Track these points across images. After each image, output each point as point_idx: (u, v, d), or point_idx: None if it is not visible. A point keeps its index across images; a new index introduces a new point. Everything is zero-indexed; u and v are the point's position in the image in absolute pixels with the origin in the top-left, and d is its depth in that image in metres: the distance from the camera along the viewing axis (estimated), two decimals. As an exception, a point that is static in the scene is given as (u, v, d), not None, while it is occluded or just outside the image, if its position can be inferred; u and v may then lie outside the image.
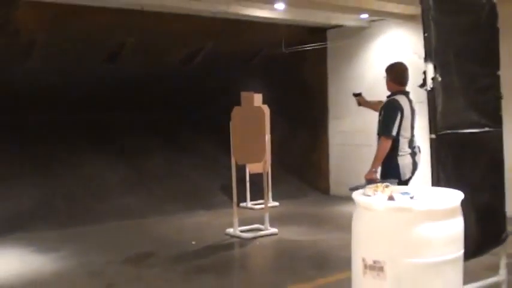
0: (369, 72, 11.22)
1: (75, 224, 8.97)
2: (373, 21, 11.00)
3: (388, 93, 6.15)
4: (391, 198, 3.76)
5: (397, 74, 6.02)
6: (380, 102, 6.35)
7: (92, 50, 10.83)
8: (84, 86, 12.00)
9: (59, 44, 10.22)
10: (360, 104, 6.97)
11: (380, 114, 6.07)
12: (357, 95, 6.91)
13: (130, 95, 12.65)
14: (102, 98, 12.35)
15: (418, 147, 5.95)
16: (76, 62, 11.02)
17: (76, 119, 12.51)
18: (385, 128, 5.86)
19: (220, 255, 7.62)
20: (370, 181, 4.90)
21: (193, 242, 7.99)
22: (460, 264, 3.78)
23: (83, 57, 10.90)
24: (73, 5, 8.53)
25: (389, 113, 5.83)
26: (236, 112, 8.49)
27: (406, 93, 5.94)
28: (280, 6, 9.33)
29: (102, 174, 11.06)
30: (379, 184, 3.98)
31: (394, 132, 5.74)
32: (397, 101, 5.83)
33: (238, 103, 8.70)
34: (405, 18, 9.96)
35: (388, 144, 5.79)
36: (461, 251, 3.76)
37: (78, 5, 8.54)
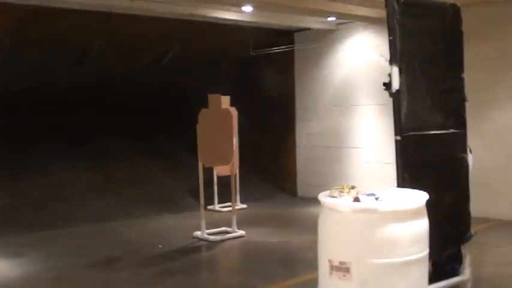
0: (336, 74, 11.30)
1: (41, 229, 8.83)
2: (340, 24, 11.06)
3: None
4: (356, 199, 3.79)
5: None
6: None
7: (59, 52, 10.71)
8: (52, 88, 11.85)
9: (24, 46, 10.09)
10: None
11: None
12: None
13: (98, 97, 12.53)
14: (69, 100, 12.22)
15: None
16: (43, 65, 10.88)
17: (43, 121, 12.34)
18: None
19: (188, 258, 7.59)
20: None
21: (160, 246, 7.94)
22: (425, 263, 3.84)
23: (50, 60, 10.78)
24: (38, 6, 8.42)
25: None
26: (203, 114, 8.47)
27: None
28: (247, 8, 9.33)
29: (69, 177, 10.92)
30: (344, 185, 4.02)
31: None
32: None
33: (206, 105, 8.69)
34: (372, 21, 10.05)
35: None
36: (427, 251, 3.82)
37: (43, 6, 8.43)
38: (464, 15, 5.19)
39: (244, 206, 10.73)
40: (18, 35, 9.58)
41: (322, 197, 3.92)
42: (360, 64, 10.78)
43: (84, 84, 11.74)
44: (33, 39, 9.87)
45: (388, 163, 5.42)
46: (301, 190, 11.93)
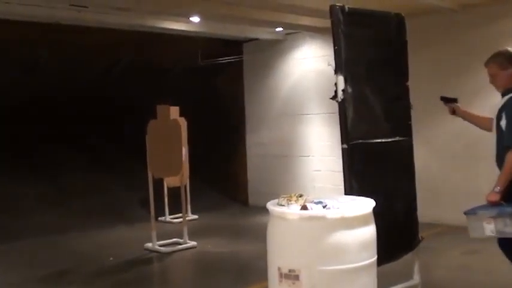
0: (285, 84, 11.38)
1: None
2: (288, 34, 11.16)
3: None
4: (304, 207, 3.82)
5: None
6: (490, 119, 4.79)
7: (7, 63, 10.54)
8: (1, 99, 11.65)
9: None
10: (453, 112, 5.19)
11: (499, 119, 4.50)
12: (450, 101, 5.19)
13: (47, 108, 12.36)
14: (18, 111, 12.02)
15: None
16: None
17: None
18: (509, 135, 4.37)
19: (139, 270, 7.53)
20: (493, 204, 4.33)
21: (111, 258, 7.86)
22: (374, 270, 3.88)
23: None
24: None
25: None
26: (152, 125, 8.42)
27: None
28: (195, 19, 9.35)
29: (18, 190, 10.73)
30: (292, 194, 4.04)
31: None
32: None
33: (155, 116, 8.64)
34: (319, 31, 10.16)
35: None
36: (375, 257, 3.86)
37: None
38: (409, 24, 5.30)
39: (196, 216, 10.68)
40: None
41: (271, 205, 3.93)
42: (308, 73, 10.87)
43: (33, 95, 11.58)
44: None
45: (338, 171, 5.44)
46: (252, 199, 11.95)
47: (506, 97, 4.40)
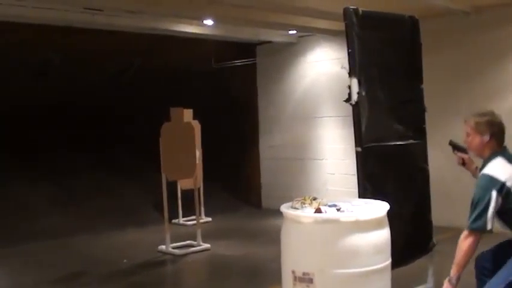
0: (298, 86, 11.37)
1: (3, 245, 8.63)
2: (302, 36, 11.15)
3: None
4: (318, 210, 3.82)
5: (499, 129, 4.10)
6: None
7: (19, 67, 10.61)
8: (12, 103, 11.73)
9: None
10: (463, 164, 4.61)
11: None
12: (459, 149, 4.59)
13: (59, 112, 12.43)
14: (30, 115, 12.10)
15: None
16: (3, 80, 10.75)
17: (2, 136, 12.18)
18: (472, 216, 3.85)
19: (153, 272, 7.55)
20: None
21: (125, 260, 7.88)
22: (388, 273, 3.87)
23: (10, 75, 10.66)
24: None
25: (482, 194, 3.85)
26: (165, 128, 8.45)
27: (506, 152, 4.11)
28: (208, 22, 9.37)
29: (30, 192, 10.79)
30: (306, 197, 4.05)
31: (489, 226, 3.78)
32: (492, 174, 3.89)
33: (169, 119, 8.67)
34: (333, 34, 10.15)
35: (472, 242, 3.81)
36: (389, 261, 3.85)
37: (2, 21, 8.31)
38: (423, 27, 5.28)
39: (209, 219, 10.69)
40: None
41: (285, 208, 3.94)
42: (321, 76, 10.86)
43: (45, 98, 11.64)
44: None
45: (352, 174, 5.42)
46: (265, 202, 11.94)
47: (480, 173, 4.03)
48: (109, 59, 11.28)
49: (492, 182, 3.80)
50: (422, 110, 5.20)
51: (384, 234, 3.81)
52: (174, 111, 8.70)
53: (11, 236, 9.04)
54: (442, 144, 4.61)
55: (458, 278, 3.91)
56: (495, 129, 4.03)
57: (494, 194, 3.76)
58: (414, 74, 5.17)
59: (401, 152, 4.84)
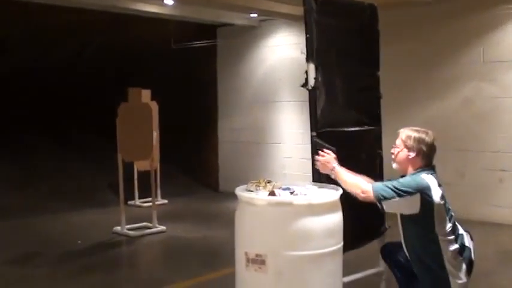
0: (258, 71, 11.40)
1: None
2: (263, 20, 11.16)
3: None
4: (272, 193, 3.86)
5: (429, 149, 4.10)
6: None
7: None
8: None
9: None
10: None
11: None
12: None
13: (15, 89, 12.22)
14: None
15: (468, 233, 4.16)
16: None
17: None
18: (388, 185, 3.95)
19: (107, 253, 7.53)
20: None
21: (79, 241, 7.83)
22: (340, 256, 3.93)
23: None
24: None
25: (408, 184, 3.92)
26: (123, 108, 8.38)
27: (433, 171, 4.12)
28: (169, 1, 9.30)
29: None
30: (261, 180, 4.08)
31: (392, 207, 3.99)
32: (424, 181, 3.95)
33: (126, 99, 8.61)
34: (294, 19, 10.18)
35: (365, 194, 3.99)
36: (341, 244, 3.91)
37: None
38: (382, 15, 5.33)
39: (165, 201, 10.68)
40: None
41: (239, 191, 3.96)
42: (282, 61, 10.91)
43: (2, 76, 11.42)
44: None
45: (308, 159, 5.46)
46: (223, 185, 11.98)
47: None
48: (70, 37, 11.13)
49: (422, 186, 3.88)
50: (378, 97, 5.25)
51: (336, 218, 3.86)
52: (131, 91, 8.65)
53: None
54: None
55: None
56: (424, 148, 4.04)
57: (413, 196, 3.85)
58: (371, 61, 5.21)
59: (356, 137, 4.89)
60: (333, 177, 4.22)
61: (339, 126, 4.71)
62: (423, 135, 4.08)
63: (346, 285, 4.29)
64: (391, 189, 3.88)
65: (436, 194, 3.88)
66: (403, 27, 9.04)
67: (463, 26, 8.75)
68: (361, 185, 4.04)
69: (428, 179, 3.93)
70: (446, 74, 8.93)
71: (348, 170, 4.20)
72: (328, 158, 4.29)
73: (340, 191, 3.96)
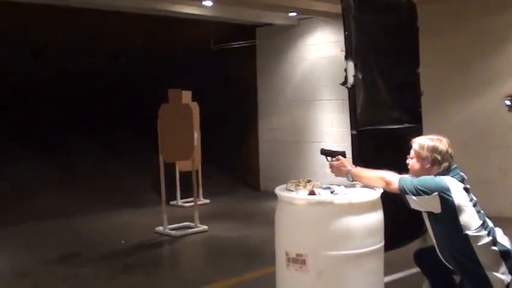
0: (297, 69, 11.37)
1: (0, 225, 8.74)
2: (302, 19, 11.13)
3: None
4: (312, 193, 3.84)
5: (443, 157, 4.02)
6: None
7: (17, 48, 10.59)
8: (9, 83, 11.72)
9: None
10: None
11: None
12: (331, 155, 4.48)
13: (57, 92, 12.42)
14: (28, 96, 12.10)
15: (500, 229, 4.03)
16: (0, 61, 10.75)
17: (3, 117, 12.19)
18: (411, 181, 3.93)
19: (150, 253, 7.61)
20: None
21: (123, 241, 7.93)
22: (381, 255, 3.90)
23: (7, 55, 10.64)
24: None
25: (430, 184, 3.86)
26: (163, 110, 8.45)
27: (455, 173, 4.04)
28: (208, 3, 9.34)
29: (28, 172, 10.82)
30: (300, 179, 4.07)
31: (414, 205, 3.93)
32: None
33: (167, 100, 8.68)
34: (332, 17, 10.12)
35: (390, 186, 3.98)
36: (382, 243, 3.88)
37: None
38: (421, 11, 5.27)
39: (207, 201, 10.73)
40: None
41: (279, 190, 3.96)
42: (321, 59, 10.86)
43: (43, 79, 11.62)
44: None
45: (349, 157, 5.44)
46: (263, 184, 11.98)
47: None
48: (109, 39, 11.26)
49: (441, 187, 3.82)
50: (418, 94, 5.18)
51: (377, 217, 3.83)
52: (172, 92, 8.71)
53: (9, 217, 9.08)
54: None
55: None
56: (438, 157, 3.98)
57: (430, 197, 3.80)
58: (411, 57, 5.15)
59: (397, 135, 4.82)
60: (350, 180, 4.19)
61: (380, 124, 4.67)
62: (437, 144, 4.01)
63: (387, 285, 4.24)
64: (413, 186, 3.85)
65: (458, 194, 3.81)
66: (441, 22, 8.89)
67: (502, 20, 8.58)
68: (385, 177, 4.01)
69: (448, 180, 3.86)
70: (486, 69, 8.77)
71: (364, 168, 4.17)
72: (341, 162, 4.27)
73: (381, 190, 3.93)
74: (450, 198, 3.76)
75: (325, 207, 3.72)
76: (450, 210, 3.78)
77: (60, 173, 11.15)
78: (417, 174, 4.02)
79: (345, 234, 3.65)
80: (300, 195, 3.86)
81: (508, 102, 4.72)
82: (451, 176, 3.92)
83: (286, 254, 3.75)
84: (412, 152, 4.09)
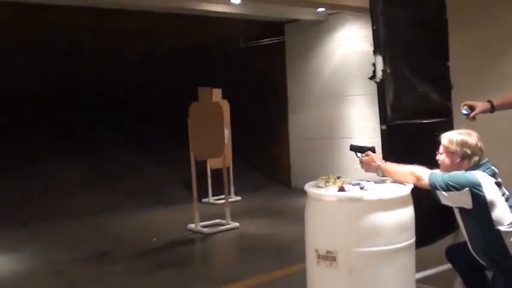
0: (327, 65, 11.31)
1: (36, 223, 8.86)
2: (330, 14, 11.07)
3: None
4: (341, 189, 3.82)
5: (473, 151, 3.96)
6: None
7: (48, 49, 10.72)
8: (41, 84, 11.88)
9: (14, 43, 10.09)
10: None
11: None
12: (361, 151, 4.44)
13: (88, 92, 12.55)
14: (59, 96, 12.26)
15: None
16: (32, 61, 10.90)
17: (33, 117, 12.37)
18: (441, 176, 3.88)
19: (182, 250, 7.66)
20: None
21: (155, 239, 7.99)
22: (412, 252, 3.86)
23: (39, 56, 10.79)
24: (27, 3, 8.39)
25: (460, 178, 3.80)
26: (193, 108, 8.49)
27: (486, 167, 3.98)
28: (236, 0, 9.33)
29: (62, 172, 10.98)
30: (330, 175, 4.05)
31: (442, 199, 3.87)
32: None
33: (197, 99, 8.71)
34: (361, 11, 10.01)
35: (420, 181, 3.92)
36: (413, 239, 3.84)
37: (32, 3, 8.40)
38: (449, 3, 5.20)
39: (239, 198, 10.76)
40: (8, 32, 9.58)
41: (308, 187, 3.94)
42: (350, 54, 10.79)
43: (74, 79, 11.75)
44: (23, 36, 9.87)
45: (380, 153, 5.38)
46: (294, 181, 11.96)
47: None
48: (137, 40, 11.34)
49: (472, 183, 3.75)
50: (448, 88, 5.12)
51: (408, 213, 3.79)
52: (202, 91, 8.74)
53: (45, 216, 9.22)
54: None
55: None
56: (468, 151, 3.92)
57: (461, 192, 3.74)
58: (440, 51, 5.08)
59: (427, 130, 4.76)
60: (380, 176, 4.15)
61: (410, 118, 4.61)
62: (466, 137, 3.96)
63: (419, 282, 4.22)
64: (443, 181, 3.80)
65: (489, 189, 3.75)
66: (470, 12, 8.73)
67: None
68: (415, 172, 3.95)
69: (479, 175, 3.80)
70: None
71: (394, 163, 4.13)
72: (371, 157, 4.24)
73: (411, 185, 3.89)
74: (482, 194, 3.71)
75: (354, 203, 3.69)
76: (482, 205, 3.73)
77: (93, 172, 11.27)
78: (447, 169, 3.96)
79: (375, 230, 3.61)
80: (329, 192, 3.83)
81: (464, 112, 4.70)
82: (482, 171, 3.86)
83: (316, 251, 3.72)
84: (441, 148, 4.04)
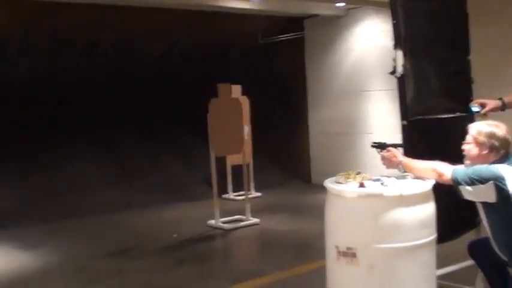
0: (346, 60, 11.26)
1: (57, 220, 8.93)
2: (350, 9, 11.01)
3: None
4: (362, 185, 3.80)
5: (502, 143, 3.90)
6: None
7: (69, 46, 10.79)
8: (62, 81, 11.95)
9: (33, 42, 10.17)
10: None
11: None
12: (382, 147, 4.47)
13: (108, 89, 12.61)
14: (80, 93, 12.33)
15: None
16: (53, 58, 10.98)
17: (54, 114, 12.45)
18: (467, 172, 3.86)
19: (202, 246, 7.67)
20: None
21: (175, 235, 8.01)
22: (433, 248, 3.83)
23: (60, 53, 10.86)
24: (48, 1, 8.46)
25: (485, 172, 3.78)
26: (213, 104, 8.50)
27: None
28: (256, -3, 9.35)
29: (82, 169, 11.02)
30: (350, 171, 4.03)
31: (468, 196, 3.86)
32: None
33: (217, 95, 8.72)
34: (381, 5, 9.95)
35: (442, 177, 3.91)
36: (434, 235, 3.81)
37: (53, 1, 8.47)
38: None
39: (259, 194, 10.76)
40: (29, 28, 9.66)
41: (328, 183, 3.93)
42: (370, 49, 10.73)
43: (95, 76, 11.81)
44: (44, 33, 9.95)
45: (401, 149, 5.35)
46: (314, 177, 11.92)
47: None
48: (157, 37, 11.37)
49: (496, 176, 3.70)
50: (469, 82, 5.07)
51: (428, 209, 3.77)
52: (221, 87, 8.75)
53: (67, 212, 9.29)
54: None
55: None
56: (496, 143, 3.86)
57: (485, 186, 3.71)
58: (461, 45, 5.03)
59: (448, 125, 4.73)
60: (401, 172, 4.13)
61: (430, 113, 4.58)
62: (494, 129, 3.89)
63: (440, 278, 4.19)
64: (467, 176, 3.77)
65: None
66: (490, 6, 8.64)
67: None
68: (437, 168, 3.93)
69: (503, 168, 3.75)
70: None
71: (415, 159, 4.10)
72: (392, 153, 4.22)
73: (433, 181, 3.86)
74: (505, 188, 3.67)
75: (374, 199, 3.68)
76: (505, 199, 3.69)
77: (114, 169, 11.32)
78: (474, 160, 3.92)
79: (396, 226, 3.60)
80: (349, 188, 3.82)
81: (475, 109, 4.64)
82: (507, 164, 3.81)
83: (337, 247, 3.72)
84: (469, 137, 3.98)
